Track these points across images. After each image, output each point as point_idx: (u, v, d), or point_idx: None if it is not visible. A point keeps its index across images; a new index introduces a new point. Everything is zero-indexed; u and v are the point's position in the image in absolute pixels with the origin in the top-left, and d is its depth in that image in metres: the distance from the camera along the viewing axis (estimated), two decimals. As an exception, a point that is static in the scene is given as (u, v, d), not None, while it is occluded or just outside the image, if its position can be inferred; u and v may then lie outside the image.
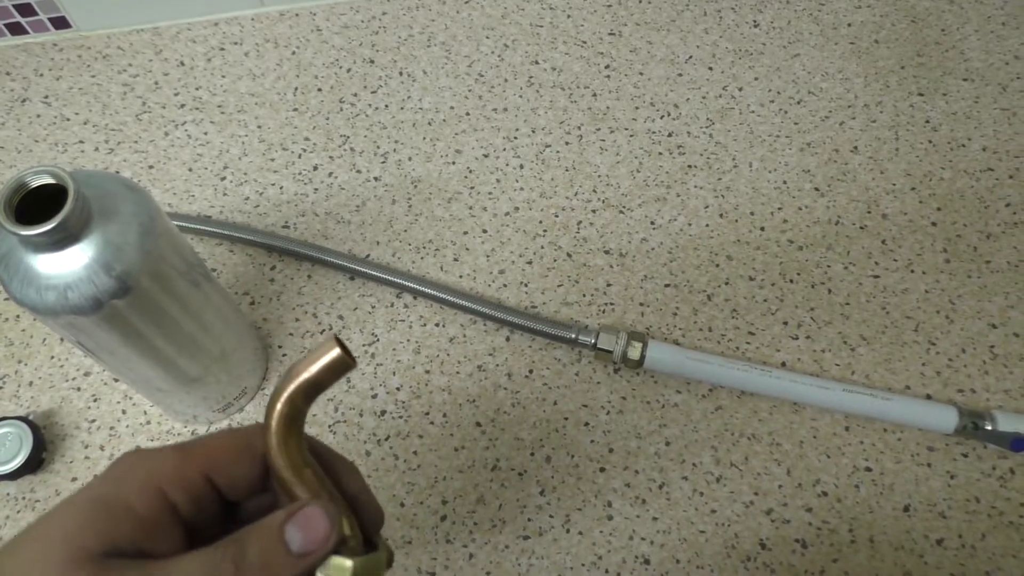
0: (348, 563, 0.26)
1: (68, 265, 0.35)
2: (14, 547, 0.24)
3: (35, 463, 0.50)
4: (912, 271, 0.58)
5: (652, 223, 0.60)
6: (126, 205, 0.37)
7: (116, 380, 0.54)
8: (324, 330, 0.56)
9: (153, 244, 0.38)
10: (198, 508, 0.26)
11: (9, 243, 0.36)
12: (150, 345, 0.41)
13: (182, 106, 0.66)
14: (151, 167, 0.63)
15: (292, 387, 0.27)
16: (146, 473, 0.26)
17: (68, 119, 0.66)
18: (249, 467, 0.28)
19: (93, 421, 0.53)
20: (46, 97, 0.67)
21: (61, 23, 0.69)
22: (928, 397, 0.53)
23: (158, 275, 0.38)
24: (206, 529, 0.27)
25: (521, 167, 0.63)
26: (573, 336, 0.53)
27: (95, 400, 0.54)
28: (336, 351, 0.27)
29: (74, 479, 0.51)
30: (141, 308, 0.38)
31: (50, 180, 0.34)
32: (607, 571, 0.48)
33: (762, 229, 0.59)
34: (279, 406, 0.27)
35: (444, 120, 0.65)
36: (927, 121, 0.65)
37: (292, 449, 0.27)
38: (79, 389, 0.54)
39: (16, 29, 0.69)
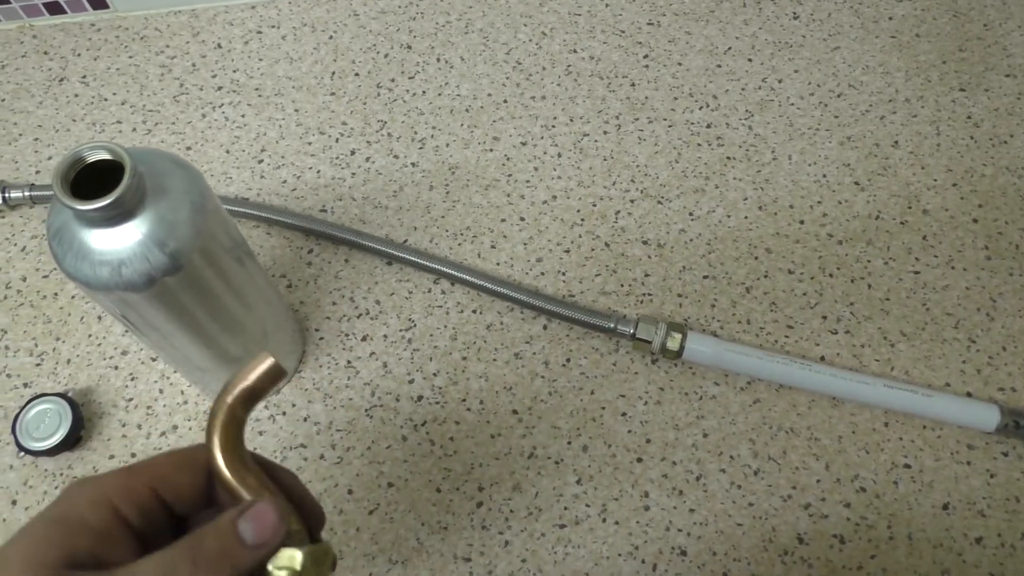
0: (298, 553, 0.28)
1: (122, 241, 0.35)
2: None
3: (73, 440, 0.51)
4: (953, 267, 0.57)
5: (691, 214, 0.59)
6: (177, 182, 0.37)
7: (154, 359, 0.54)
8: (360, 315, 0.56)
9: (204, 222, 0.38)
10: (148, 520, 0.28)
11: (63, 217, 0.36)
12: (195, 322, 0.41)
13: (219, 88, 0.66)
14: (189, 148, 0.63)
15: (231, 396, 0.29)
16: (95, 490, 0.27)
17: (106, 99, 0.66)
18: (192, 478, 0.29)
19: (130, 400, 0.53)
20: (84, 77, 0.67)
21: (99, 3, 0.69)
22: (968, 395, 0.52)
23: (207, 253, 0.38)
24: (158, 542, 0.29)
25: (559, 156, 0.62)
26: (612, 326, 0.53)
27: (132, 379, 0.54)
28: (270, 360, 0.30)
29: (111, 456, 0.51)
30: (190, 285, 0.38)
31: (107, 156, 0.34)
32: (643, 561, 0.48)
33: (801, 222, 0.59)
34: (220, 415, 0.29)
35: (482, 107, 0.65)
36: (969, 117, 0.64)
37: (234, 455, 0.29)
38: (116, 368, 0.54)
39: (54, 9, 0.69)
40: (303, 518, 0.30)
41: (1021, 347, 0.54)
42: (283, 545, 0.28)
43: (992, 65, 0.67)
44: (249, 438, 0.50)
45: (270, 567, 0.28)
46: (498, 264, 0.57)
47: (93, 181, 0.35)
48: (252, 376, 0.29)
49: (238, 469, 0.29)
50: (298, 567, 0.28)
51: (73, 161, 0.34)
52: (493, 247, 0.58)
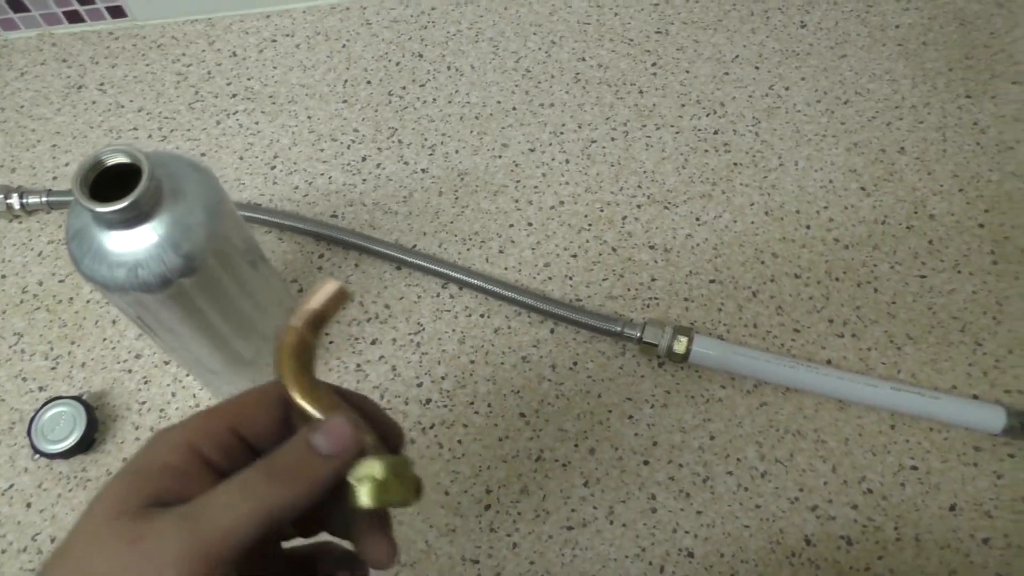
0: (377, 462, 0.28)
1: (138, 243, 0.36)
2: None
3: (87, 443, 0.51)
4: (959, 272, 0.57)
5: (697, 219, 0.60)
6: (193, 186, 0.38)
7: (167, 363, 0.55)
8: (370, 319, 0.56)
9: (219, 225, 0.38)
10: (230, 458, 0.28)
11: (83, 220, 0.37)
12: (209, 324, 0.42)
13: (234, 96, 0.67)
14: (203, 155, 0.64)
15: (299, 320, 0.29)
16: (176, 435, 0.28)
17: (122, 106, 0.67)
18: (270, 413, 0.29)
19: (144, 403, 0.54)
20: (101, 84, 0.68)
21: (117, 12, 0.71)
22: (974, 397, 0.53)
23: (222, 255, 0.39)
24: None
25: (567, 162, 0.63)
26: (619, 329, 0.53)
27: (146, 382, 0.55)
28: (335, 284, 0.30)
29: (125, 459, 0.52)
30: (205, 287, 0.39)
31: (125, 159, 0.35)
32: (651, 563, 0.48)
33: (808, 227, 0.59)
34: (288, 338, 0.29)
35: (491, 114, 0.66)
36: (975, 123, 0.65)
37: (305, 378, 0.29)
38: (130, 371, 0.55)
39: (74, 17, 0.71)
40: (381, 436, 0.30)
41: (1027, 351, 0.54)
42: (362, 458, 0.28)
43: (998, 72, 0.67)
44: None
45: (350, 479, 0.27)
46: (506, 269, 0.58)
47: (112, 184, 0.36)
48: (318, 300, 0.29)
49: (310, 391, 0.28)
50: (378, 476, 0.27)
51: (93, 164, 0.35)
52: (501, 252, 0.59)
